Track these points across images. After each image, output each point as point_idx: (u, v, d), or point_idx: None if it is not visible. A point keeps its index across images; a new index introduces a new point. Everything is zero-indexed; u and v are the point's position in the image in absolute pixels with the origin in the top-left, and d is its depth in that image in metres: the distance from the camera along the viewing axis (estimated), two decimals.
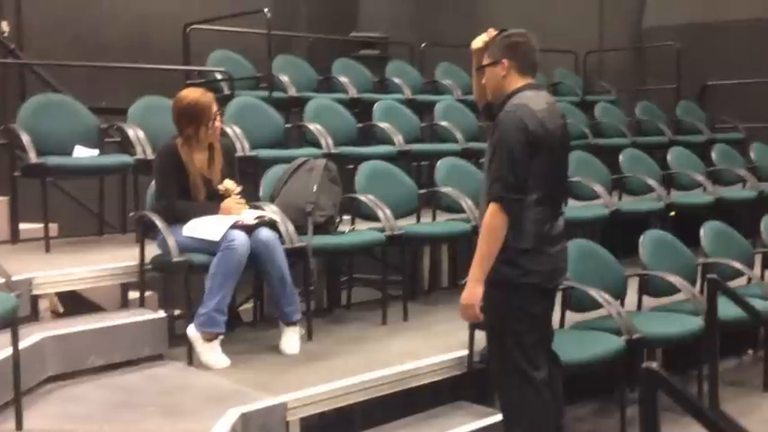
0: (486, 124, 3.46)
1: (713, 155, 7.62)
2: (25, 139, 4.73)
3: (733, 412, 3.93)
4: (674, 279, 4.53)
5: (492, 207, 3.12)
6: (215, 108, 4.15)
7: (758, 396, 4.72)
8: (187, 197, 4.11)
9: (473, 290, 3.15)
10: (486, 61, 3.32)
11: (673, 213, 6.32)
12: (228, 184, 4.13)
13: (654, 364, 1.87)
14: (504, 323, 3.22)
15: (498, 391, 3.41)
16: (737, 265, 4.96)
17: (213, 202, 4.11)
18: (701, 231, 5.14)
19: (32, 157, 4.68)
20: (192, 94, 4.18)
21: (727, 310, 3.84)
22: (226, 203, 4.08)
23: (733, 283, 4.66)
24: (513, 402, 3.27)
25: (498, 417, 3.73)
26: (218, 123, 4.17)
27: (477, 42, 3.38)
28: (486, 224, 3.14)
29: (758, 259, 5.41)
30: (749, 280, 5.07)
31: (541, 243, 3.20)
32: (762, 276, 5.31)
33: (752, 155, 7.82)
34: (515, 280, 3.17)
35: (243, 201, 4.15)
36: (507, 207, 3.10)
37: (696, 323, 4.23)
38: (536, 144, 3.13)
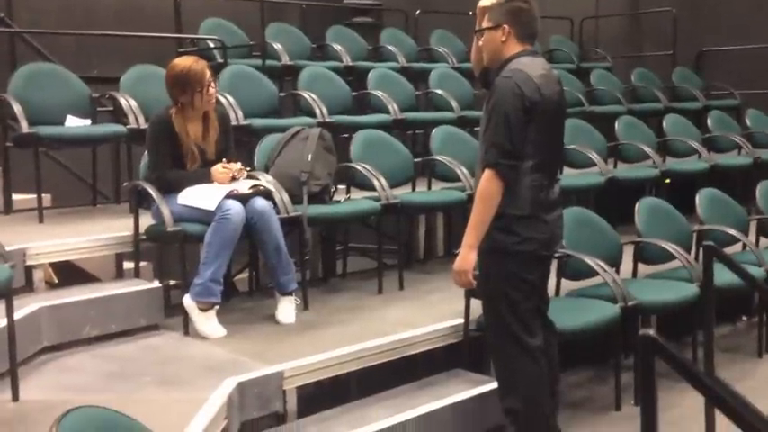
0: (483, 91, 3.42)
1: (709, 122, 7.61)
2: (17, 108, 4.69)
3: (727, 378, 3.96)
4: (669, 246, 4.54)
5: (487, 173, 3.10)
6: (208, 75, 4.11)
7: (752, 362, 4.76)
8: (179, 167, 4.08)
9: (466, 256, 3.15)
10: (486, 24, 3.27)
11: (668, 180, 6.32)
12: (233, 166, 4.10)
13: (651, 331, 1.86)
14: (500, 290, 3.22)
15: (494, 358, 3.42)
16: (732, 231, 4.97)
17: (205, 170, 4.08)
18: (696, 198, 5.14)
19: (24, 127, 4.65)
20: (184, 61, 4.14)
21: (723, 276, 3.84)
22: (215, 169, 4.05)
23: (727, 250, 4.66)
24: (509, 369, 3.28)
25: (494, 384, 3.75)
26: (212, 90, 4.13)
27: (485, 1, 3.32)
28: (480, 190, 3.13)
29: (753, 226, 5.41)
30: (744, 247, 5.08)
31: (538, 210, 3.18)
32: (756, 243, 5.32)
33: (747, 121, 7.81)
34: (511, 247, 3.16)
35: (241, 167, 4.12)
36: (503, 173, 3.09)
37: (691, 290, 4.24)
38: (532, 110, 3.10)
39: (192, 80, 4.04)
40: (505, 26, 3.22)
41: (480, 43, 3.33)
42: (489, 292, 3.29)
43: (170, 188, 4.03)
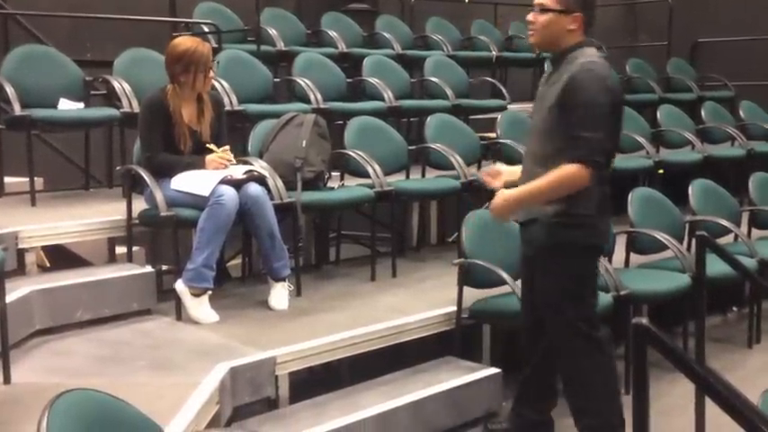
0: (549, 73, 3.26)
1: (703, 113, 7.62)
2: (9, 90, 4.66)
3: (718, 368, 3.99)
4: (662, 236, 4.55)
5: (578, 168, 3.00)
6: (211, 57, 4.11)
7: (742, 352, 4.78)
8: (172, 149, 4.06)
9: (511, 205, 3.10)
10: (554, 5, 3.11)
11: (661, 171, 6.33)
12: (227, 155, 4.07)
13: (644, 320, 1.87)
14: (573, 287, 3.16)
15: (568, 361, 3.27)
16: (725, 222, 4.99)
17: (199, 155, 4.06)
18: (690, 189, 5.16)
19: (17, 110, 4.62)
20: (189, 41, 4.12)
21: (715, 266, 3.86)
22: (210, 158, 4.04)
23: (720, 241, 4.68)
24: (584, 369, 3.19)
25: (486, 371, 3.77)
26: (212, 74, 4.13)
27: None
28: (566, 179, 3.01)
29: (745, 217, 5.44)
30: (736, 237, 5.10)
31: (603, 204, 3.16)
32: (748, 234, 5.34)
33: (741, 113, 7.83)
34: (582, 241, 3.13)
35: (231, 157, 4.10)
36: (596, 171, 3.01)
37: (683, 280, 4.26)
38: (613, 104, 3.08)
39: (198, 61, 4.02)
40: (578, 14, 3.10)
41: (540, 19, 3.14)
42: (565, 290, 3.16)
43: (160, 171, 4.01)
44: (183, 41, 4.11)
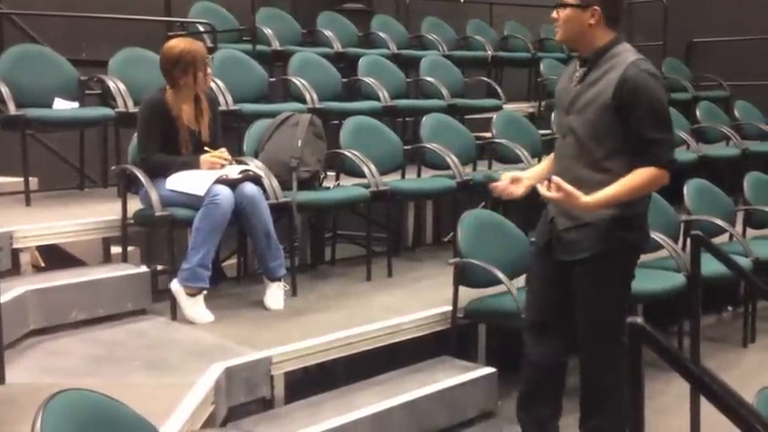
0: (583, 72, 3.09)
1: (697, 112, 7.63)
2: (4, 90, 4.65)
3: (713, 368, 3.99)
4: (657, 236, 4.55)
5: (661, 171, 2.96)
6: (207, 54, 4.12)
7: (737, 352, 4.79)
8: (172, 150, 4.05)
9: (586, 205, 2.91)
10: (572, 0, 3.01)
11: None
12: (224, 155, 4.07)
13: (639, 319, 1.88)
14: (621, 289, 3.14)
15: (598, 364, 3.21)
16: (720, 222, 4.99)
17: (195, 155, 4.06)
18: (684, 189, 5.16)
19: (11, 110, 4.61)
20: (183, 42, 4.10)
21: (710, 266, 3.86)
22: (204, 157, 4.03)
23: (715, 240, 4.69)
24: (612, 373, 3.13)
25: (481, 371, 3.77)
26: (209, 71, 4.13)
27: None
28: (650, 184, 2.99)
29: (740, 216, 5.44)
30: (731, 237, 5.11)
31: (648, 204, 3.15)
32: (743, 233, 5.35)
33: (736, 113, 7.85)
34: (637, 243, 3.12)
35: (228, 156, 4.10)
36: (672, 171, 2.98)
37: (679, 279, 4.27)
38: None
39: (195, 60, 4.01)
40: (597, 8, 2.98)
41: (561, 14, 3.05)
42: (615, 294, 3.12)
43: (156, 171, 4.00)
44: (177, 44, 4.10)
